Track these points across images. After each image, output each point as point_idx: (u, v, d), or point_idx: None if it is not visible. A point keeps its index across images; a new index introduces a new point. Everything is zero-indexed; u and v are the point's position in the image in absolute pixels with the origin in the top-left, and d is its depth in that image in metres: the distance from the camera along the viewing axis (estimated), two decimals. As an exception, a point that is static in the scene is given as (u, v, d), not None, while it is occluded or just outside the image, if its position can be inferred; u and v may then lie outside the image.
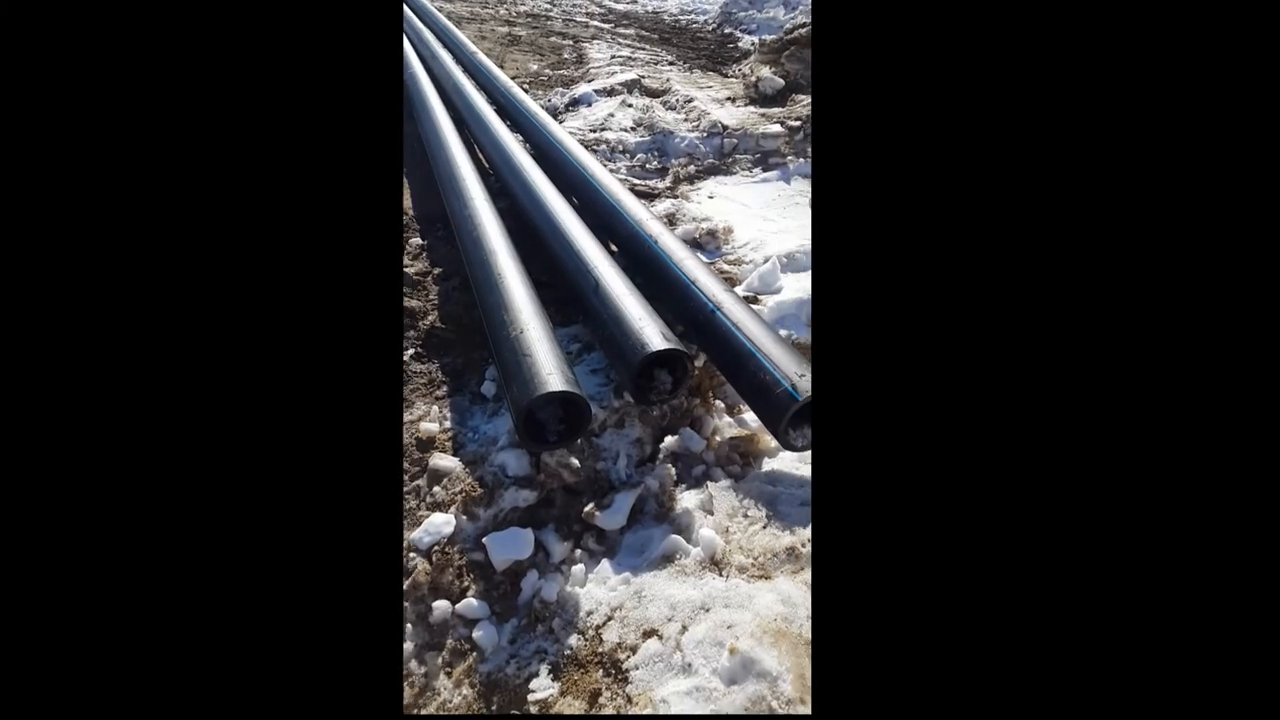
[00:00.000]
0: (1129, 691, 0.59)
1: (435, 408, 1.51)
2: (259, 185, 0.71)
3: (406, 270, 1.96)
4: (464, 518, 1.21)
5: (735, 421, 1.50)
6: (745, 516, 1.20)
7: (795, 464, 1.36)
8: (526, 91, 3.28)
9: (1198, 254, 0.63)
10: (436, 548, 1.16)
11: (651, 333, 1.34)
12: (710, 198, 2.52)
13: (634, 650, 0.98)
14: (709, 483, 1.30)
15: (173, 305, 0.68)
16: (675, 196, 2.50)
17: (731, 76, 4.15)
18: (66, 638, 0.62)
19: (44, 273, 0.66)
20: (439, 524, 1.18)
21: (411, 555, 1.15)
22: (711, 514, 1.23)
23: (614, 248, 1.95)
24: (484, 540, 1.16)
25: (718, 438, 1.44)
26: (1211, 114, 0.64)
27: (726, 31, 5.62)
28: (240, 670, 0.64)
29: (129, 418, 0.66)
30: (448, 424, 1.46)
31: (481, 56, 3.85)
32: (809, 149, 2.81)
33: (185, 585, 0.64)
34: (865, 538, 0.66)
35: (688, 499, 1.26)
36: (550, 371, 1.22)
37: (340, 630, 0.66)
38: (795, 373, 1.25)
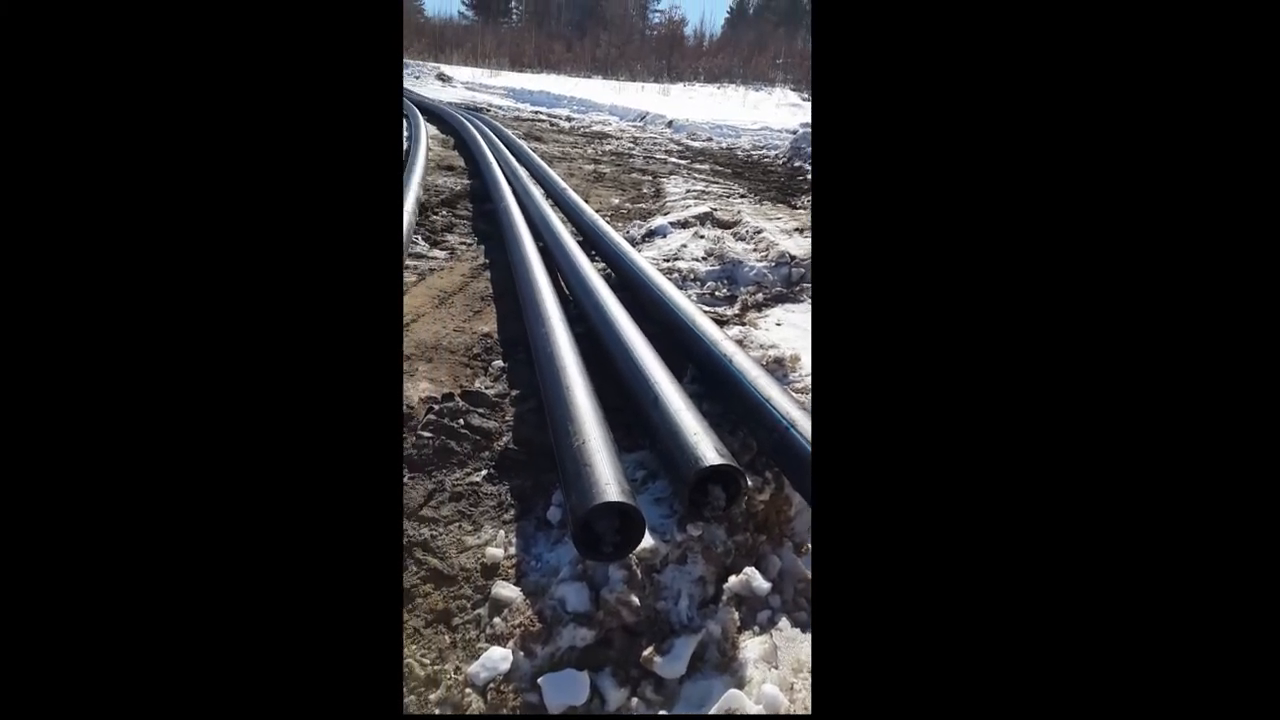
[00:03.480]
0: (1127, 687, 0.60)
1: (501, 532, 1.53)
2: (262, 193, 0.74)
3: (486, 392, 2.08)
4: (521, 654, 1.19)
5: (805, 562, 1.44)
6: (813, 675, 1.12)
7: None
8: (608, 223, 3.55)
9: (1200, 260, 0.64)
10: (492, 685, 1.14)
11: (706, 447, 1.36)
12: (778, 324, 2.57)
13: (689, 825, 0.91)
14: (774, 631, 1.23)
15: (180, 305, 0.70)
16: (743, 323, 2.57)
17: (800, 208, 4.34)
18: (79, 654, 0.62)
19: (35, 294, 0.67)
20: (496, 659, 1.17)
21: (467, 691, 1.14)
22: (776, 667, 1.16)
23: (690, 366, 2.01)
24: (539, 680, 1.14)
25: (785, 580, 1.38)
26: (1212, 114, 0.65)
27: (796, 165, 5.95)
28: (243, 671, 0.64)
29: (141, 410, 0.67)
30: (512, 550, 1.48)
31: (570, 192, 4.24)
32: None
33: (192, 589, 0.65)
34: (866, 552, 0.68)
35: (751, 648, 1.20)
36: (608, 481, 1.24)
37: (342, 631, 0.66)
38: None
